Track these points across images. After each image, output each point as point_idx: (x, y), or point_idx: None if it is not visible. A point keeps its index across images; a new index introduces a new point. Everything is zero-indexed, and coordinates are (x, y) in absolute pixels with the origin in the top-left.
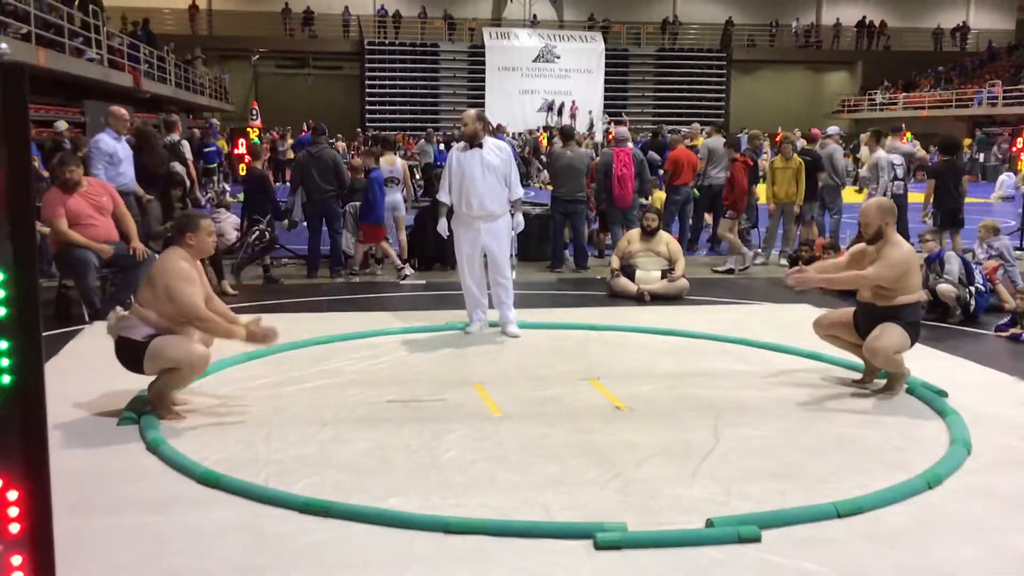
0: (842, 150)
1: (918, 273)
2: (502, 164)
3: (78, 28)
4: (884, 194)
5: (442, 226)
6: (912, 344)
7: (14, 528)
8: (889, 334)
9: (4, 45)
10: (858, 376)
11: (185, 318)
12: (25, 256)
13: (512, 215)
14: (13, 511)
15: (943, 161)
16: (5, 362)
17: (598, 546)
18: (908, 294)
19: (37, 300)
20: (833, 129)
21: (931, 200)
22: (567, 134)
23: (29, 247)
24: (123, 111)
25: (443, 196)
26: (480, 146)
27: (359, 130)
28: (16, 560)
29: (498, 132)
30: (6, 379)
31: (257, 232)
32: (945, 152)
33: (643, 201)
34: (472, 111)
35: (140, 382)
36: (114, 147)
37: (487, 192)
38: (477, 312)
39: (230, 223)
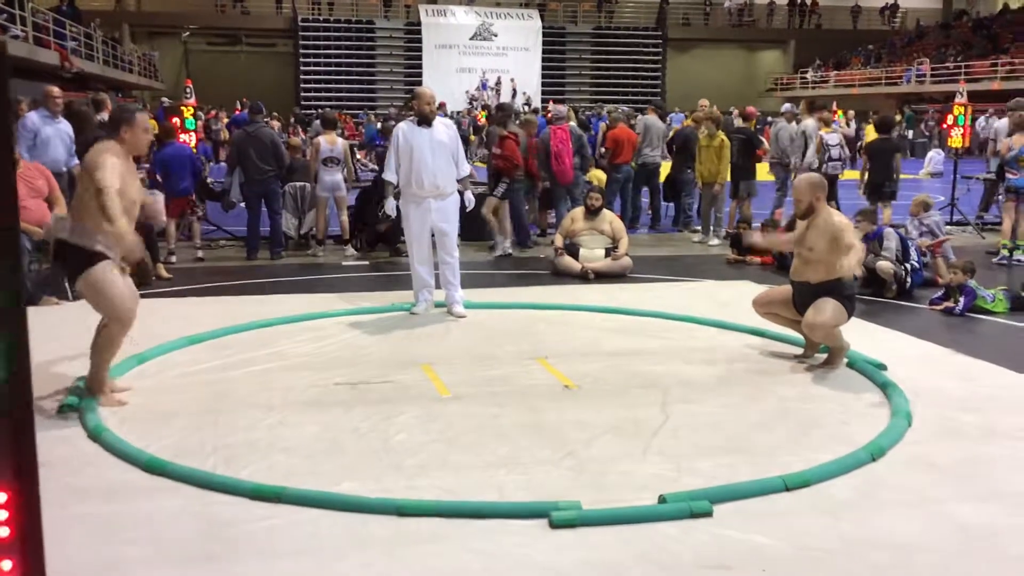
0: (789, 128)
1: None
2: (450, 141)
3: (1, 4)
4: (810, 166)
5: (390, 206)
6: (849, 317)
7: (3, 532)
8: (826, 309)
9: None
10: (800, 351)
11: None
12: (10, 245)
13: (461, 193)
14: (2, 514)
15: (878, 139)
16: None
17: (553, 525)
18: (858, 249)
19: (23, 293)
20: (786, 107)
21: (866, 176)
22: (505, 112)
23: (13, 235)
24: (55, 89)
25: (389, 175)
26: (429, 124)
27: (296, 109)
28: (6, 565)
29: (439, 110)
30: None
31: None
32: (880, 131)
33: (586, 179)
34: (428, 90)
35: (81, 367)
36: (38, 127)
37: (439, 170)
38: (423, 292)
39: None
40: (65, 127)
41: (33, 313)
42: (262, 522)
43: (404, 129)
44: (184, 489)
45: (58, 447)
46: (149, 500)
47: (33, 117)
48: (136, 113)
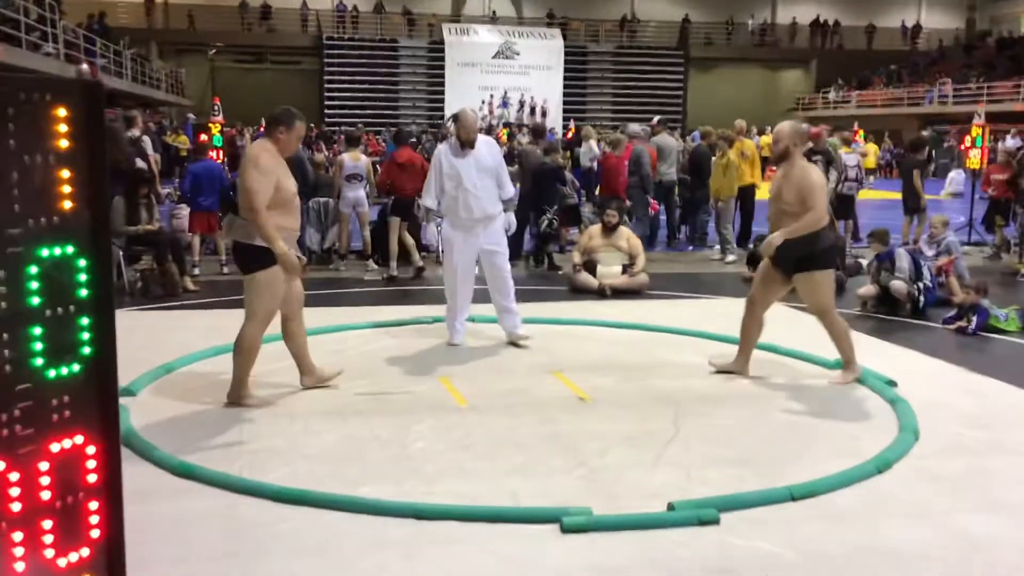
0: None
1: (824, 192)
2: (495, 163)
3: (34, 22)
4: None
5: (431, 233)
6: (836, 272)
7: (92, 478)
8: (814, 290)
9: (85, 66)
10: (812, 367)
11: (245, 204)
12: (103, 246)
13: (504, 213)
14: (91, 463)
15: (907, 158)
16: (86, 336)
17: (564, 529)
18: (817, 213)
19: (111, 284)
20: (803, 127)
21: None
22: (538, 132)
23: (105, 239)
24: None
25: (429, 200)
26: (472, 147)
27: (311, 125)
28: (93, 505)
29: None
30: (87, 350)
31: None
32: (909, 150)
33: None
34: (472, 115)
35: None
36: None
37: (485, 195)
38: (460, 321)
39: None
40: None
41: None
42: (286, 523)
43: (446, 154)
44: (211, 492)
45: None
46: (178, 502)
47: None
48: (296, 119)
